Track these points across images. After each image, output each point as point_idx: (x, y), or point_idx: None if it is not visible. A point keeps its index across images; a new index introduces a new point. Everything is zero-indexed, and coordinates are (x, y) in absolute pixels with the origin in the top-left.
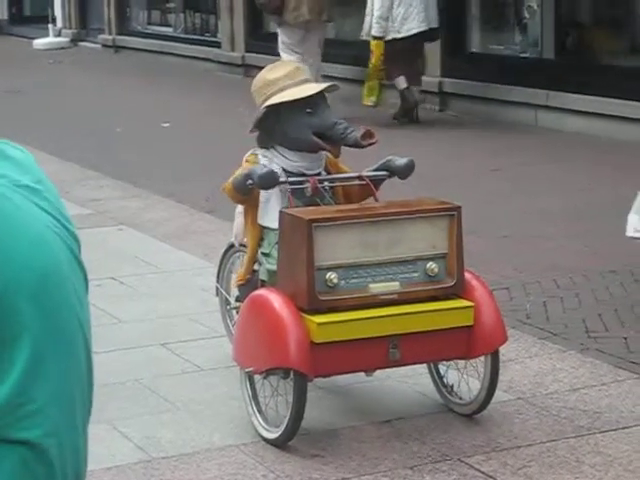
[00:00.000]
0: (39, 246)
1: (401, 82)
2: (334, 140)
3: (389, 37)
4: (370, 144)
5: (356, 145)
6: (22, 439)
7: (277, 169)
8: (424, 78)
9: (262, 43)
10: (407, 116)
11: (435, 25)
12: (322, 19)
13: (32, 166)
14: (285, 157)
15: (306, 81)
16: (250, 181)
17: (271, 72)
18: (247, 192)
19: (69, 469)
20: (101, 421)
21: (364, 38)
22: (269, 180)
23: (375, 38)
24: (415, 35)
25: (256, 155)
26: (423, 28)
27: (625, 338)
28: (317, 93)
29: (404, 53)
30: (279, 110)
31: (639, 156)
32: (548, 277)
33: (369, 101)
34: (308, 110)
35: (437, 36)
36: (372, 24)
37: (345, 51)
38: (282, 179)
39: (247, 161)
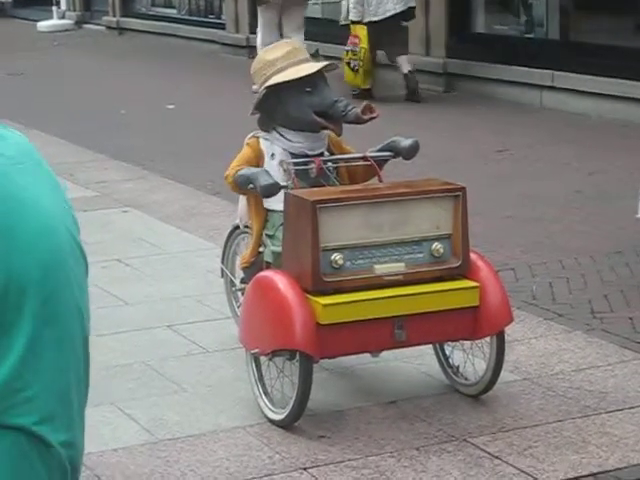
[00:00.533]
0: (44, 232)
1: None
2: (335, 118)
3: (365, 20)
4: (371, 118)
5: (357, 121)
6: (17, 425)
7: (279, 152)
8: (428, 59)
9: None
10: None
11: (413, 4)
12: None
13: (30, 148)
14: (286, 138)
15: (305, 60)
16: (252, 186)
17: (270, 53)
18: (248, 191)
19: (64, 455)
20: (107, 403)
21: (342, 23)
22: (271, 191)
23: (353, 22)
24: (392, 17)
25: (257, 138)
26: (400, 9)
27: (631, 318)
28: (316, 72)
29: (382, 35)
30: (279, 91)
31: None
32: (554, 258)
33: (368, 84)
34: (307, 89)
35: (413, 14)
36: (349, 9)
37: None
38: (283, 184)
39: (248, 144)
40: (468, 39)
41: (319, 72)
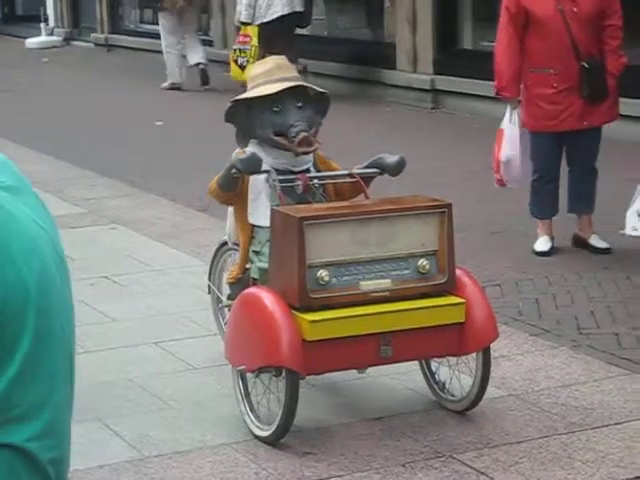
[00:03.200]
0: (35, 245)
1: None
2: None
3: (257, 22)
4: (304, 153)
5: (294, 151)
6: (9, 442)
7: (265, 168)
8: (416, 76)
9: None
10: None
11: (300, 9)
12: (194, 7)
13: (9, 163)
14: (269, 155)
15: (283, 80)
16: (234, 170)
17: (257, 67)
18: (233, 186)
19: (52, 473)
20: (93, 419)
21: (236, 24)
22: (252, 163)
23: (243, 24)
24: (281, 19)
25: (244, 153)
26: (287, 11)
27: (617, 334)
28: (288, 92)
29: (275, 37)
30: (250, 106)
31: (638, 155)
32: (540, 274)
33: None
34: (275, 109)
35: (307, 22)
36: (241, 11)
37: (340, 49)
38: (265, 168)
39: None
40: (456, 56)
41: (292, 91)
